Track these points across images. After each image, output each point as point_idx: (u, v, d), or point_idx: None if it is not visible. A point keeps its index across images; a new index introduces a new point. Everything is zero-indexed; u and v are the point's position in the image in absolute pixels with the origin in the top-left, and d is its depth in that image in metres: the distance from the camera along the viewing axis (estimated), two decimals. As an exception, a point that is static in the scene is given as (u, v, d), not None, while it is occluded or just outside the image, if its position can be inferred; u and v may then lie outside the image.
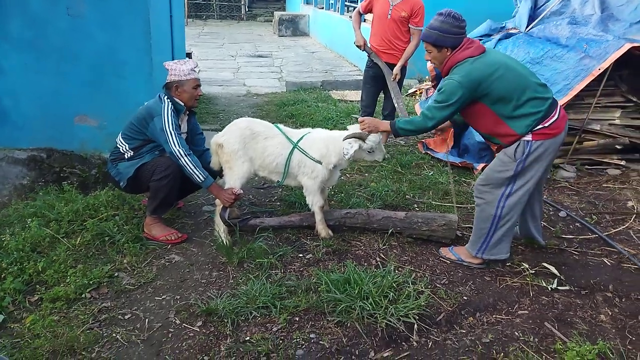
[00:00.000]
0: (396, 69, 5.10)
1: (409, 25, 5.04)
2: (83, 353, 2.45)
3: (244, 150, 3.47)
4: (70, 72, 4.31)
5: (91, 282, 2.96)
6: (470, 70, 2.84)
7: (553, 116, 2.89)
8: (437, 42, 2.94)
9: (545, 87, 2.96)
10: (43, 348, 2.45)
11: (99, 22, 4.24)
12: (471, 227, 3.71)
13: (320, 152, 3.48)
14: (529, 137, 2.88)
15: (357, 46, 5.26)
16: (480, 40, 5.95)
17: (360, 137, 3.33)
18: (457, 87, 2.84)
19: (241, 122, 3.58)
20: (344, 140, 3.35)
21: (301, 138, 3.55)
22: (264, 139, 3.52)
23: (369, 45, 5.28)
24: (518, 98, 2.84)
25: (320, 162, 3.47)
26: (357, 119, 3.68)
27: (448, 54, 2.96)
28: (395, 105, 5.07)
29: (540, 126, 2.87)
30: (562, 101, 4.43)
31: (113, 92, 4.40)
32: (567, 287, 3.05)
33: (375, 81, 5.33)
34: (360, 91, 5.73)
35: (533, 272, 3.17)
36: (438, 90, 2.96)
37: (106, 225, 3.51)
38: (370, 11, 5.30)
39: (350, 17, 5.58)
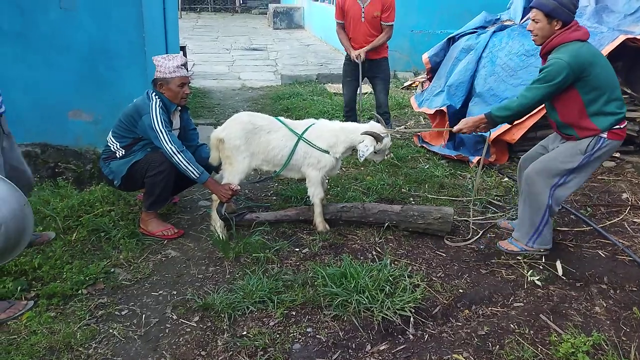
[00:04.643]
0: (362, 51, 5.05)
1: (381, 22, 5.06)
2: (80, 349, 2.45)
3: (246, 145, 3.44)
4: (63, 65, 4.27)
5: (87, 278, 2.95)
6: (579, 52, 2.81)
7: (625, 120, 2.98)
8: (552, 13, 2.83)
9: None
10: (40, 344, 2.45)
11: (91, 14, 4.20)
12: (465, 221, 3.74)
13: (328, 142, 3.48)
14: (605, 135, 2.93)
15: (355, 59, 5.13)
16: (475, 32, 5.94)
17: (377, 138, 3.37)
18: (565, 66, 2.79)
19: (242, 117, 3.54)
20: (361, 134, 3.39)
21: (306, 129, 3.53)
22: (267, 133, 3.49)
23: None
24: (609, 94, 2.88)
25: (327, 152, 3.48)
26: (373, 116, 3.70)
27: (556, 28, 2.88)
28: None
29: (617, 126, 2.93)
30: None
31: (107, 86, 4.36)
32: (562, 279, 3.07)
33: (354, 75, 5.30)
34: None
35: (528, 264, 3.19)
36: (540, 71, 2.92)
37: (102, 221, 3.50)
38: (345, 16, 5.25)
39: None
